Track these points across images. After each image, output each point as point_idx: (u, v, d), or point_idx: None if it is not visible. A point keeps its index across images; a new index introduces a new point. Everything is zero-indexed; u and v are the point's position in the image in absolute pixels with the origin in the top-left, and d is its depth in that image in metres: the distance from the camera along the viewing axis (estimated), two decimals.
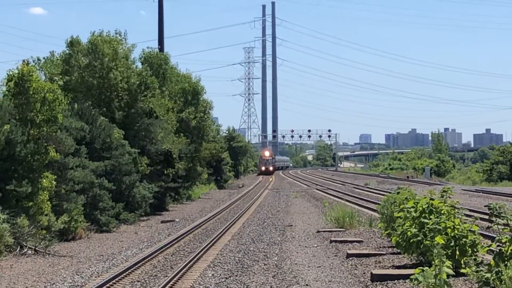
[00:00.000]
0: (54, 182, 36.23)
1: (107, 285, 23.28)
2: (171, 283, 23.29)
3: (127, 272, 25.68)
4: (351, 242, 33.92)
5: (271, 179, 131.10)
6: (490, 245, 22.74)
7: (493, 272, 19.53)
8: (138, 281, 24.03)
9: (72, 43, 51.75)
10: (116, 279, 24.14)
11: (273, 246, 33.39)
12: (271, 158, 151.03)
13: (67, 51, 52.15)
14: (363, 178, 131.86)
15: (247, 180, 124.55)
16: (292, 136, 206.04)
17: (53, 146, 36.10)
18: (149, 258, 29.64)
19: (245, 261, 28.26)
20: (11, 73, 36.00)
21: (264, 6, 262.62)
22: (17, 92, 35.68)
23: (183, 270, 25.78)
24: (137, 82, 53.02)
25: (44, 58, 51.04)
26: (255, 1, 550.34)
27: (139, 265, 27.67)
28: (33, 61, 44.97)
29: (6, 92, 36.29)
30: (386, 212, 30.97)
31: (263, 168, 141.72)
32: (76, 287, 23.39)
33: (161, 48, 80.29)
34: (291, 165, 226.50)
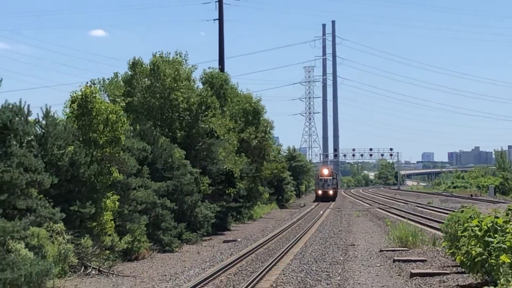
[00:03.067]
0: (117, 203, 36.40)
1: None
2: None
3: None
4: (415, 261, 33.37)
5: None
6: None
7: None
8: None
9: (134, 65, 52.29)
10: None
11: (335, 266, 33.12)
12: (331, 178, 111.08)
13: (129, 73, 52.61)
14: (425, 196, 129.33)
15: (309, 199, 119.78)
16: (353, 155, 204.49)
17: (116, 166, 36.29)
18: (211, 278, 29.57)
19: (307, 281, 27.93)
20: (74, 94, 36.16)
21: (324, 25, 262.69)
22: (80, 113, 35.83)
23: None
24: (198, 102, 53.05)
25: (107, 79, 51.84)
26: (316, 20, 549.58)
27: (201, 285, 27.59)
28: (98, 82, 46.00)
29: (70, 114, 36.38)
30: (450, 231, 30.21)
31: (320, 192, 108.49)
32: None
33: (221, 68, 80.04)
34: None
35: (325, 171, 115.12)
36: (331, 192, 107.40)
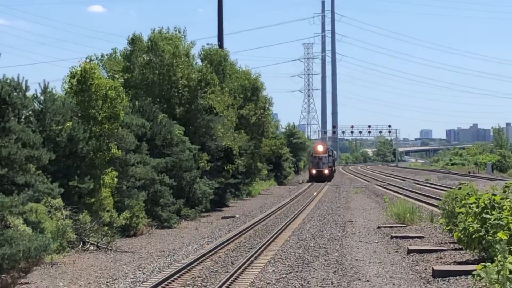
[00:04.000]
0: (116, 179, 36.67)
1: (169, 280, 23.43)
2: (232, 278, 23.27)
3: (188, 268, 25.78)
4: (412, 238, 34.00)
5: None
6: None
7: None
8: (199, 277, 24.10)
9: (134, 40, 52.61)
10: (177, 275, 24.27)
11: (333, 242, 33.53)
12: (326, 155, 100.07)
13: (129, 49, 52.83)
14: (423, 173, 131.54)
15: (307, 176, 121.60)
16: (352, 132, 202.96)
17: (115, 143, 36.43)
18: (210, 254, 29.88)
19: (305, 257, 28.19)
20: (73, 70, 36.29)
21: (323, 2, 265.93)
22: (79, 89, 35.98)
23: (244, 266, 25.80)
24: (197, 79, 53.26)
25: (106, 55, 52.02)
26: None
27: (200, 260, 27.76)
28: (96, 58, 46.14)
29: (69, 90, 36.61)
30: (447, 207, 30.75)
31: (314, 172, 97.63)
32: (137, 283, 23.49)
33: (220, 45, 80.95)
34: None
35: (320, 148, 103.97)
36: (326, 171, 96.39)
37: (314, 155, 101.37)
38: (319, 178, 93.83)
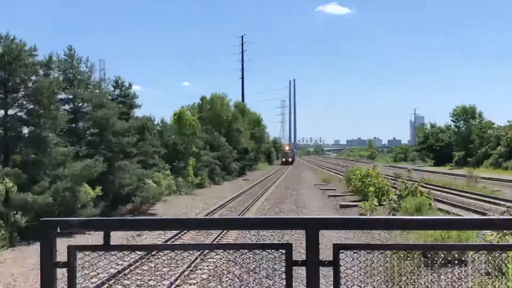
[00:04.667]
0: (194, 162, 45.43)
1: (220, 208, 30.37)
2: (248, 207, 30.51)
3: (228, 202, 33.60)
4: (330, 189, 41.02)
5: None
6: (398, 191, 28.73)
7: (397, 204, 25.39)
8: (232, 206, 31.34)
9: (202, 98, 72.04)
10: (223, 206, 31.54)
11: (294, 191, 39.90)
12: (290, 151, 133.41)
13: (199, 102, 71.82)
14: (336, 160, 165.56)
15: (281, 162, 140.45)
16: (303, 139, 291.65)
17: (194, 145, 45.32)
18: (237, 196, 37.74)
19: (281, 197, 35.74)
20: (176, 111, 46.07)
21: (294, 81, 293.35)
22: (178, 119, 45.23)
23: (253, 201, 33.79)
24: (232, 116, 73.80)
25: (189, 105, 69.44)
26: (286, 78, 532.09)
27: (233, 199, 35.75)
28: (186, 106, 60.03)
29: (173, 120, 45.82)
30: (348, 175, 38.80)
31: (283, 160, 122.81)
32: (205, 210, 29.87)
33: (242, 100, 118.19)
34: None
35: (286, 147, 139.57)
36: (290, 159, 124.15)
37: (284, 151, 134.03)
38: (286, 163, 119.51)
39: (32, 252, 17.38)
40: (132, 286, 12.36)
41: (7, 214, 18.52)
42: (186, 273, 13.66)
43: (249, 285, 11.89)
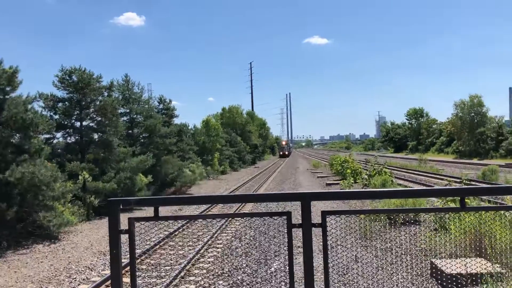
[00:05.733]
0: (218, 156, 45.38)
1: (238, 188, 31.01)
2: (260, 186, 31.23)
3: (244, 184, 34.30)
4: (319, 172, 40.99)
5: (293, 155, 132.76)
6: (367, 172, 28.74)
7: (368, 181, 25.38)
8: (247, 187, 31.65)
9: (223, 109, 71.48)
10: (241, 186, 32.16)
11: (292, 175, 40.36)
12: (286, 145, 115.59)
13: (221, 111, 70.95)
14: (322, 151, 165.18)
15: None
16: (297, 137, 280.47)
17: (218, 143, 45.60)
18: (251, 179, 38.30)
19: (282, 179, 36.05)
20: (204, 119, 46.37)
21: (289, 94, 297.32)
22: (205, 125, 45.64)
23: (264, 182, 34.37)
24: (245, 121, 73.23)
25: (213, 114, 68.37)
26: (283, 92, 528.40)
27: (248, 181, 36.67)
28: (211, 115, 59.32)
29: (202, 125, 46.03)
30: (331, 162, 39.52)
31: (281, 153, 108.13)
32: (227, 189, 30.50)
33: (252, 108, 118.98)
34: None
35: (283, 142, 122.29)
36: (286, 152, 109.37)
37: (281, 145, 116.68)
38: (283, 155, 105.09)
39: (103, 225, 17.64)
40: (176, 246, 12.43)
41: (84, 197, 18.76)
42: (215, 235, 13.68)
43: (261, 243, 11.91)
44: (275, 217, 2.81)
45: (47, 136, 19.91)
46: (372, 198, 2.81)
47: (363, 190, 3.43)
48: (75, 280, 9.76)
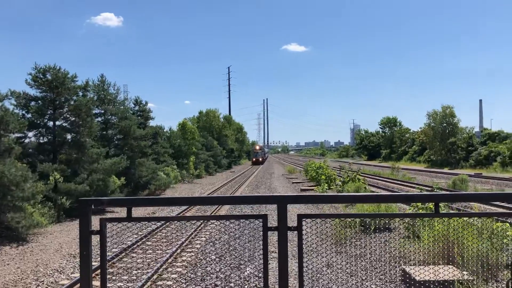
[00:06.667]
0: (194, 159, 44.72)
1: (213, 192, 29.65)
2: (236, 190, 30.32)
3: (220, 187, 33.48)
4: (294, 178, 40.81)
5: (269, 160, 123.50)
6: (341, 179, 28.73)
7: (341, 187, 25.22)
8: (222, 191, 30.47)
9: (200, 113, 70.55)
10: (216, 190, 30.78)
11: (267, 180, 40.05)
12: (261, 150, 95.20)
13: (198, 115, 70.45)
14: (297, 157, 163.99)
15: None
16: (273, 142, 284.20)
17: (193, 146, 44.94)
18: (226, 183, 37.40)
19: (258, 184, 35.49)
20: (180, 122, 45.88)
21: (266, 99, 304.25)
22: (181, 128, 45.10)
23: (238, 186, 33.56)
24: (222, 125, 72.60)
25: (190, 117, 67.97)
26: (260, 97, 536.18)
27: (223, 185, 35.60)
28: (187, 119, 59.24)
29: (178, 128, 45.55)
30: (306, 168, 39.16)
31: (254, 159, 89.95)
32: (202, 193, 29.28)
33: (229, 113, 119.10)
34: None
35: (257, 147, 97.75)
36: (260, 159, 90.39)
37: (254, 151, 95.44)
38: (256, 162, 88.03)
39: (74, 227, 17.29)
40: (148, 249, 12.25)
41: (55, 198, 18.43)
42: (189, 239, 13.54)
43: (235, 248, 11.84)
44: (251, 220, 2.78)
45: (19, 135, 19.47)
46: (348, 202, 2.80)
47: (340, 194, 3.44)
48: (43, 283, 9.51)
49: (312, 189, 28.17)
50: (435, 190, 20.45)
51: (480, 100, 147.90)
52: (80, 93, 21.83)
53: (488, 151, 54.82)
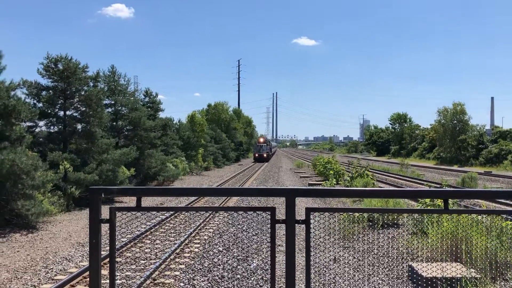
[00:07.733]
0: (203, 151, 44.90)
1: (223, 183, 29.91)
2: (243, 184, 29.95)
3: (229, 179, 33.93)
4: (302, 172, 41.25)
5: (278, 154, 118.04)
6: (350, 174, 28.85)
7: (350, 183, 24.17)
8: (230, 184, 30.57)
9: (209, 105, 70.31)
10: (224, 183, 30.74)
11: (275, 173, 40.13)
12: (265, 144, 74.48)
13: (207, 108, 69.78)
14: (306, 151, 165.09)
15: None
16: (282, 136, 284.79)
17: (202, 139, 45.11)
18: (234, 176, 37.53)
19: (266, 178, 35.35)
20: (189, 114, 45.93)
21: (276, 93, 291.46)
22: (191, 120, 45.36)
23: (247, 179, 33.91)
24: (230, 118, 72.13)
25: (199, 110, 66.88)
26: (270, 91, 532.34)
27: (232, 177, 36.19)
28: (196, 111, 57.39)
29: (187, 120, 45.95)
30: (314, 162, 39.10)
31: (256, 155, 71.74)
32: (210, 185, 29.00)
33: (239, 106, 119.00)
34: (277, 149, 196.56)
35: (261, 140, 77.11)
36: (265, 155, 71.99)
37: (257, 144, 75.76)
38: (260, 159, 71.18)
39: (83, 216, 17.46)
40: (157, 239, 12.34)
41: (65, 188, 18.51)
42: (197, 230, 13.61)
43: (242, 240, 11.87)
44: (259, 212, 2.78)
45: (30, 124, 19.66)
46: (356, 196, 2.80)
47: (349, 188, 3.44)
48: (52, 271, 9.63)
49: (320, 184, 28.23)
50: (444, 187, 20.22)
51: (492, 98, 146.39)
52: (91, 84, 21.91)
53: (498, 149, 54.32)
